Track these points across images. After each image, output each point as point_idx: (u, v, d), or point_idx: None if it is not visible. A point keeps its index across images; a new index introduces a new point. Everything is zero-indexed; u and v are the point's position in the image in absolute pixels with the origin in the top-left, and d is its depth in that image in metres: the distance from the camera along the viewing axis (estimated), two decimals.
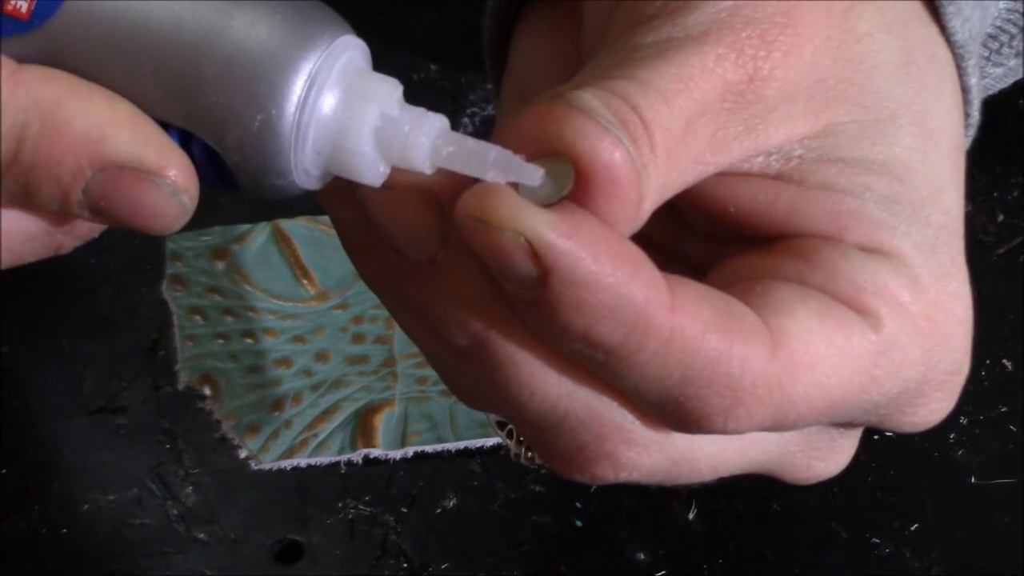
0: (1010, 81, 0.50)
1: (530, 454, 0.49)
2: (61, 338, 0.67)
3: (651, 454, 0.40)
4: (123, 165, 0.38)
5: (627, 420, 0.40)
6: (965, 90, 0.44)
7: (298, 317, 0.68)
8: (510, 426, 0.46)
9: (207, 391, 0.65)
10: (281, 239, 0.71)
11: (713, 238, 0.43)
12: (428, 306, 0.40)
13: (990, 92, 0.50)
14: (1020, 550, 0.59)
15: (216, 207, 0.72)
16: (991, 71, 0.49)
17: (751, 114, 0.40)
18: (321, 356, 0.66)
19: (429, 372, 0.65)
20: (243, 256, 0.70)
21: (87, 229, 0.42)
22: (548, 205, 0.37)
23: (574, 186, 0.37)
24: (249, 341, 0.67)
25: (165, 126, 0.39)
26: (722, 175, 0.41)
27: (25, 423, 0.65)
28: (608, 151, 0.37)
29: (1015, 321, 0.66)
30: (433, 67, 0.75)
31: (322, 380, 0.65)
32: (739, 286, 0.40)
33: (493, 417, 0.47)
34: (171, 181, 0.38)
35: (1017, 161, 0.72)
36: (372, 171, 0.39)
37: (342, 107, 0.38)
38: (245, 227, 0.71)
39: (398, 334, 0.67)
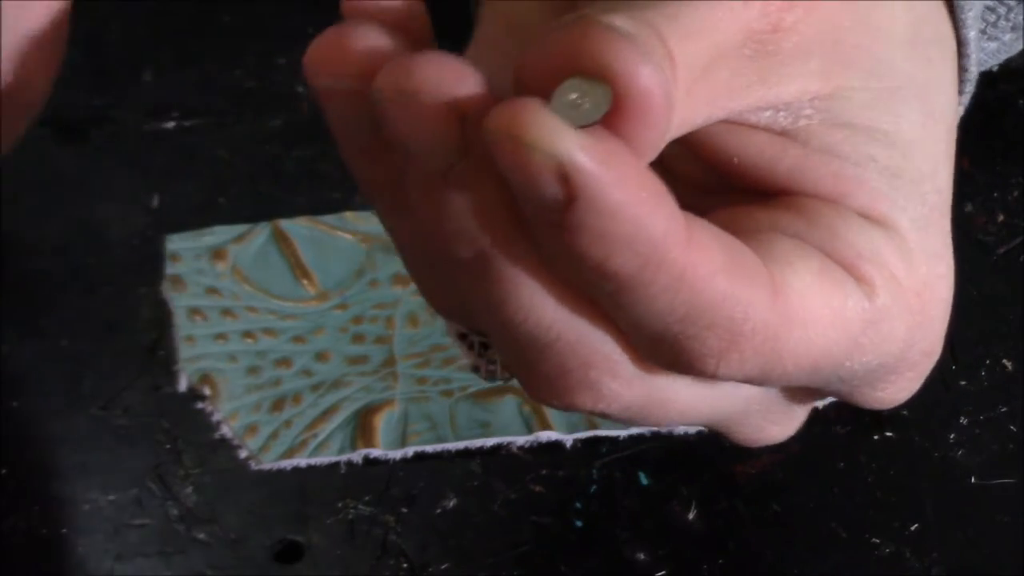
0: (1003, 57, 0.50)
1: (492, 367, 0.47)
2: (61, 338, 0.67)
3: (632, 389, 0.40)
4: None
5: (615, 352, 0.40)
6: (962, 43, 0.44)
7: (298, 317, 0.68)
8: (472, 338, 0.45)
9: (207, 391, 0.65)
10: (281, 239, 0.71)
11: (704, 188, 0.43)
12: (435, 215, 0.39)
13: (984, 67, 0.50)
14: (1020, 550, 0.59)
15: (216, 207, 0.72)
16: (985, 45, 0.49)
17: (767, 64, 0.40)
18: (321, 356, 0.66)
19: (429, 372, 0.65)
20: (243, 256, 0.70)
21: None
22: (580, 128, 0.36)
23: (608, 110, 0.36)
24: (249, 341, 0.67)
25: None
26: (731, 124, 0.41)
27: (25, 423, 0.65)
28: (648, 76, 0.36)
29: (1015, 321, 0.66)
30: None
31: (322, 380, 0.65)
32: (741, 236, 0.40)
33: (453, 327, 0.45)
34: None
35: (1017, 161, 0.72)
36: None
37: None
38: (245, 227, 0.71)
39: (398, 334, 0.67)
